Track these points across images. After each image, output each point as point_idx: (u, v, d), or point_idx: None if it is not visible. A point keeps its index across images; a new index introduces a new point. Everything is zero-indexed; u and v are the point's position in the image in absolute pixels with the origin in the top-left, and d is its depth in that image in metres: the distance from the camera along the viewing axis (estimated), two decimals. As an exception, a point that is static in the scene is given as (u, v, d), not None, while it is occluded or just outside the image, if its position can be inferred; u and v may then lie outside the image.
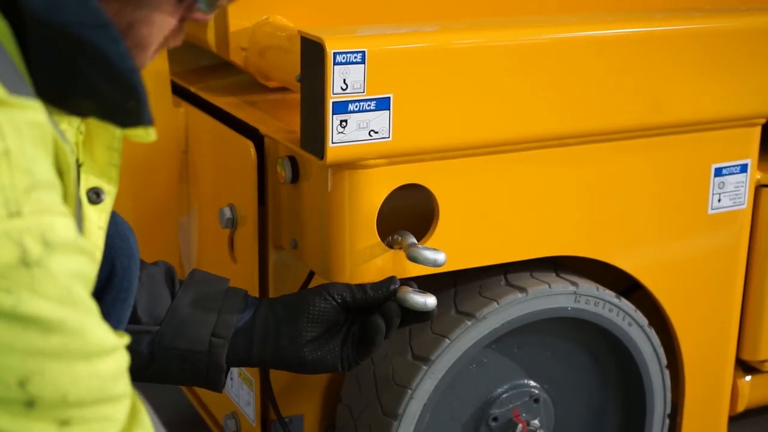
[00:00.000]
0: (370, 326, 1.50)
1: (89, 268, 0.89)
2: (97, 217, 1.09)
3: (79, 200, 1.05)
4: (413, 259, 1.57)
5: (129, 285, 1.32)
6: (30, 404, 0.83)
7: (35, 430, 0.83)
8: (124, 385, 0.91)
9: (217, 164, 1.96)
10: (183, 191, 2.07)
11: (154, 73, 1.95)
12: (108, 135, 1.07)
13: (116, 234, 1.31)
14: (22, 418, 0.83)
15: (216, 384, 1.50)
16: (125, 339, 0.93)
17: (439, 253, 1.57)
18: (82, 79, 0.91)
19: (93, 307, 0.88)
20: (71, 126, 1.01)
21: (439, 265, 1.58)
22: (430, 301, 1.52)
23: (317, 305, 1.51)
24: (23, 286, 0.82)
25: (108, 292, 1.31)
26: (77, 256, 0.86)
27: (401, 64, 1.54)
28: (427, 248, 1.58)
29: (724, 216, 1.93)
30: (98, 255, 1.10)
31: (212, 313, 1.50)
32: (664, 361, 1.93)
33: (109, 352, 0.88)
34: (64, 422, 0.84)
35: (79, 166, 1.06)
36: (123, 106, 0.93)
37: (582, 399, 1.96)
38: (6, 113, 0.83)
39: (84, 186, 1.07)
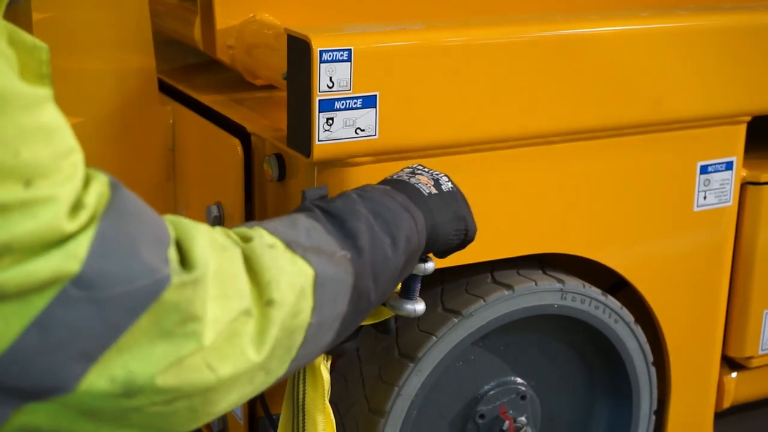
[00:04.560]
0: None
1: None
2: None
3: None
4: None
5: None
6: None
7: (2, 195, 0.81)
8: (69, 137, 0.89)
9: (204, 162, 1.96)
10: (170, 189, 2.07)
11: (141, 71, 1.95)
12: (35, 62, 1.07)
13: None
14: None
15: None
16: (48, 89, 0.91)
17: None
18: None
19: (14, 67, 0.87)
20: None
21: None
22: (419, 307, 1.43)
23: None
24: None
25: None
26: None
27: (387, 62, 1.54)
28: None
29: (710, 213, 1.94)
30: None
31: None
32: (651, 358, 1.93)
33: (43, 100, 0.87)
34: (28, 181, 0.83)
35: None
36: None
37: (569, 396, 1.96)
38: None
39: None
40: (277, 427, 1.43)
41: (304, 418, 1.39)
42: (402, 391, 1.71)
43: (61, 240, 0.84)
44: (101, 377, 0.88)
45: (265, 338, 1.01)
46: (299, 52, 1.50)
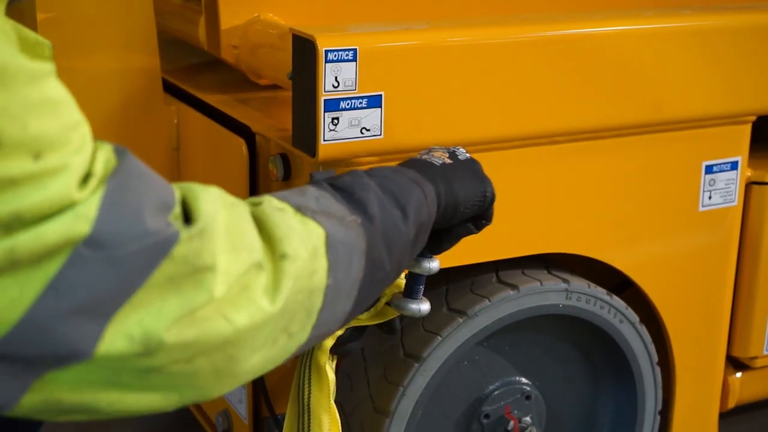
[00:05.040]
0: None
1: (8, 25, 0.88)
2: None
3: None
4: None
5: None
6: None
7: (12, 168, 0.81)
8: (75, 111, 0.90)
9: (208, 162, 1.96)
10: (174, 189, 2.07)
11: (146, 70, 1.95)
12: (35, 56, 1.07)
13: None
14: None
15: None
16: (51, 64, 0.90)
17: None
18: None
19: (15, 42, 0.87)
20: None
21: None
22: (424, 307, 1.38)
23: None
24: None
25: None
26: None
27: (392, 61, 1.54)
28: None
29: (715, 213, 1.94)
30: None
31: None
32: (655, 358, 1.93)
33: (47, 74, 0.87)
34: (37, 154, 0.83)
35: None
36: None
37: (573, 396, 1.96)
38: None
39: None
40: (282, 427, 1.43)
41: (309, 418, 1.39)
42: (407, 391, 1.71)
43: (71, 206, 0.85)
44: (118, 336, 0.88)
45: (279, 289, 1.00)
46: (304, 51, 1.50)
